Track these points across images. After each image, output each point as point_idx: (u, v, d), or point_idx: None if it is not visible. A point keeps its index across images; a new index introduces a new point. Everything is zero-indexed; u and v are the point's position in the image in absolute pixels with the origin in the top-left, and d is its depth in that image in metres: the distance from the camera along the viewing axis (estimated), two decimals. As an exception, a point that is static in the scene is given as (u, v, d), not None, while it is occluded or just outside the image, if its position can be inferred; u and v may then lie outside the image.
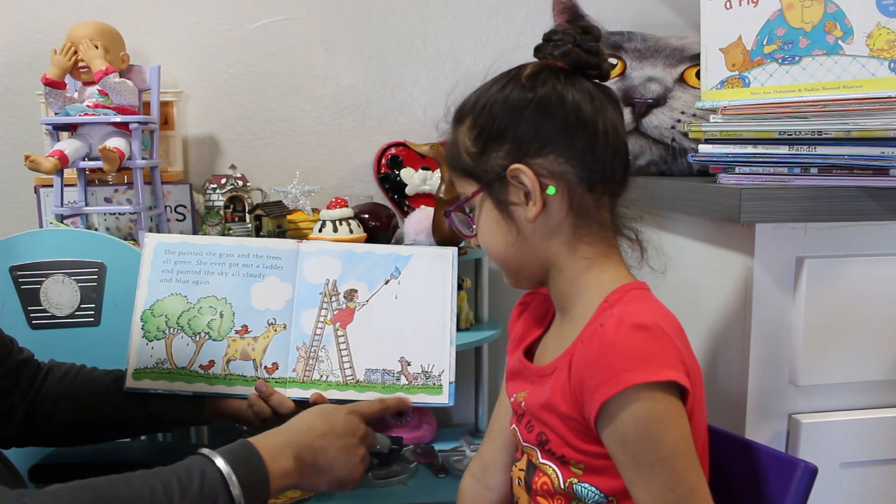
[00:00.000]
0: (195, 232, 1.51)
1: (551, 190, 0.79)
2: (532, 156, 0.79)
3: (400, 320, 1.10)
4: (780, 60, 1.08)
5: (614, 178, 0.82)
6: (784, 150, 1.03)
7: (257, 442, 0.84)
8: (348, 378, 1.08)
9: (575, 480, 0.79)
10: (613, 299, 0.78)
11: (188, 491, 0.74)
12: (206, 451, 0.80)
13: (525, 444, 0.86)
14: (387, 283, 1.11)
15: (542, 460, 0.83)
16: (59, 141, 1.33)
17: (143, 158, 1.37)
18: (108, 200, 1.48)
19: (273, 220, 1.44)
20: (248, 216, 1.49)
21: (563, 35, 0.82)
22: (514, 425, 0.89)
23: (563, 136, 0.79)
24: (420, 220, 1.44)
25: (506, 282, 0.89)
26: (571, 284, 0.83)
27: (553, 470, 0.81)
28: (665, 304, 0.80)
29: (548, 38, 0.83)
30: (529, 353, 0.91)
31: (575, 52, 0.81)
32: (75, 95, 1.38)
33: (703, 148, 1.11)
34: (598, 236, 0.82)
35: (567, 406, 0.77)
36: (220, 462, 0.78)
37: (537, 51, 0.84)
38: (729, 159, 1.07)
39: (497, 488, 0.98)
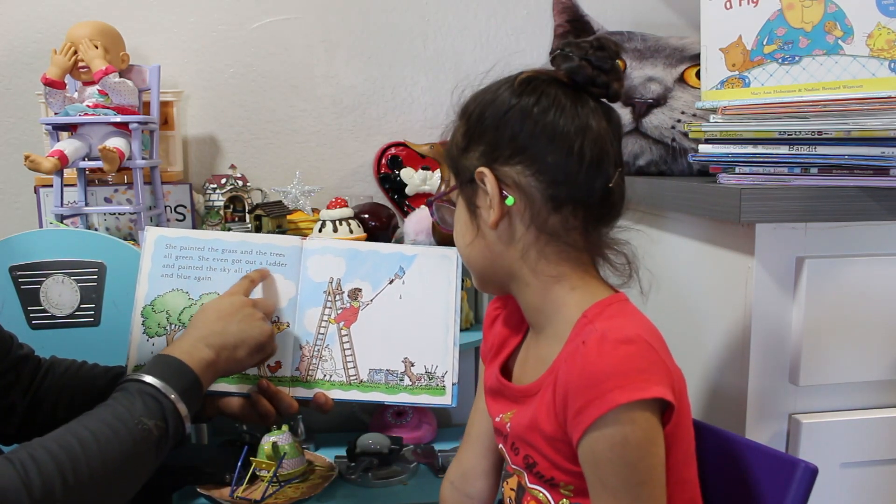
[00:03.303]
0: (195, 232, 1.51)
1: (510, 200, 0.77)
2: (501, 162, 0.78)
3: (404, 320, 1.10)
4: (780, 60, 1.08)
5: (588, 203, 0.78)
6: (784, 150, 1.03)
7: (171, 350, 0.92)
8: (352, 378, 1.08)
9: (566, 503, 0.79)
10: (592, 314, 0.77)
11: (135, 412, 0.82)
12: (132, 375, 0.87)
13: (514, 466, 0.85)
14: (391, 282, 1.11)
15: (530, 484, 0.82)
16: (58, 141, 1.33)
17: (143, 158, 1.37)
18: (108, 200, 1.48)
19: (273, 220, 1.44)
20: (248, 216, 1.49)
21: (576, 48, 0.79)
22: (500, 445, 0.89)
23: (535, 148, 0.76)
24: (420, 219, 1.44)
25: (473, 283, 0.88)
26: (542, 300, 0.81)
27: (543, 494, 0.81)
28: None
29: (561, 48, 0.80)
30: (506, 369, 0.90)
31: (582, 67, 0.78)
32: (75, 95, 1.38)
33: (703, 148, 1.11)
34: (564, 256, 0.79)
35: (552, 427, 0.76)
36: (150, 379, 0.86)
37: (552, 59, 0.81)
38: (729, 159, 1.07)
39: (477, 495, 0.97)
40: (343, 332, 1.10)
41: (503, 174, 0.78)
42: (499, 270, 0.82)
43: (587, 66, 0.78)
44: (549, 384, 0.77)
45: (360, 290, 1.11)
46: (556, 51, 0.81)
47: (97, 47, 1.33)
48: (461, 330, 1.48)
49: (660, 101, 1.37)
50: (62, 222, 1.36)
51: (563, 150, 0.76)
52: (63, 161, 1.26)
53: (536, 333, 0.85)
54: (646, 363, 0.71)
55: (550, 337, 0.81)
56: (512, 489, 0.86)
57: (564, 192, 0.77)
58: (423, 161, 1.65)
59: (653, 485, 0.72)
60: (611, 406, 0.69)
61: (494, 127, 0.78)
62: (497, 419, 0.87)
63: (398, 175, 1.64)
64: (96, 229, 1.46)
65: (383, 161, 1.66)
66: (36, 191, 1.47)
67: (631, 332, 0.72)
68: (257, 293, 1.09)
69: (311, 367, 1.08)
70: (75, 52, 1.33)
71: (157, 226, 1.44)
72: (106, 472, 0.77)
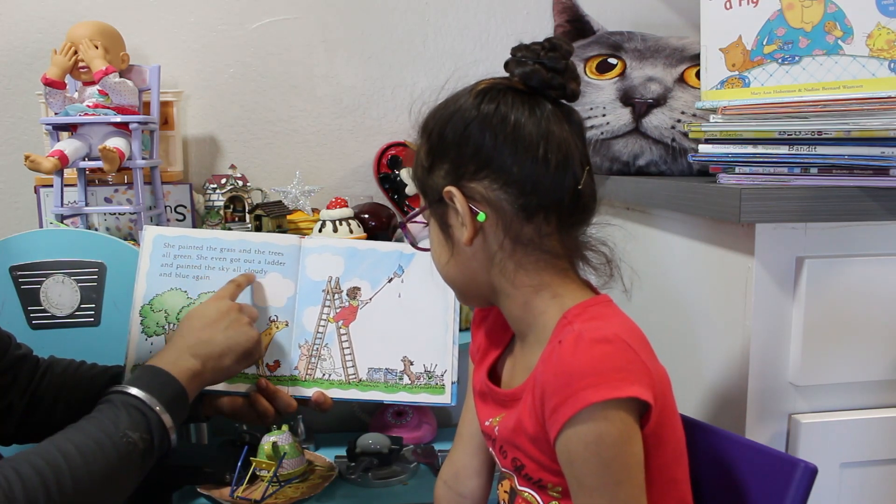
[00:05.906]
0: (195, 232, 1.51)
1: (482, 217, 0.76)
2: (468, 179, 0.77)
3: (403, 319, 1.10)
4: (780, 60, 1.08)
5: (560, 207, 0.77)
6: (784, 150, 1.03)
7: (157, 361, 0.92)
8: (351, 377, 1.08)
9: None
10: (572, 315, 0.76)
11: (120, 425, 0.82)
12: (117, 387, 0.87)
13: (504, 469, 0.85)
14: (390, 281, 1.11)
15: (519, 486, 0.82)
16: (59, 141, 1.33)
17: (143, 158, 1.37)
18: (108, 200, 1.48)
19: (273, 220, 1.44)
20: (248, 216, 1.49)
21: (527, 52, 0.78)
22: (490, 449, 0.88)
23: (500, 160, 0.76)
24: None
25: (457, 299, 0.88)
26: (524, 310, 0.80)
27: (532, 495, 0.80)
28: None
29: (513, 53, 0.79)
30: (495, 374, 0.89)
31: (536, 71, 0.76)
32: (75, 95, 1.38)
33: (703, 148, 1.11)
34: (543, 265, 0.79)
35: (535, 427, 0.76)
36: (135, 391, 0.86)
37: (505, 66, 0.80)
38: (729, 159, 1.07)
39: (470, 494, 0.97)
40: (342, 331, 1.10)
41: (471, 190, 0.77)
42: (480, 286, 0.82)
43: (541, 70, 0.77)
44: (530, 386, 0.77)
45: (358, 288, 1.11)
46: (511, 55, 0.79)
47: (97, 47, 1.33)
48: (460, 329, 1.49)
49: (660, 101, 1.37)
50: (62, 222, 1.36)
51: (527, 158, 0.75)
52: (63, 161, 1.26)
53: (521, 341, 0.84)
54: (622, 362, 0.71)
55: (534, 344, 0.80)
56: (505, 492, 0.86)
57: (534, 201, 0.76)
58: (423, 161, 1.65)
59: (630, 484, 0.72)
60: (584, 404, 0.69)
61: (456, 143, 0.77)
62: (486, 423, 0.86)
63: (398, 175, 1.64)
64: (96, 229, 1.46)
65: (383, 161, 1.66)
66: (36, 191, 1.47)
67: (608, 331, 0.72)
68: (245, 296, 1.08)
69: (309, 366, 1.08)
70: (75, 52, 1.33)
71: (156, 226, 1.45)
72: (91, 487, 0.76)
